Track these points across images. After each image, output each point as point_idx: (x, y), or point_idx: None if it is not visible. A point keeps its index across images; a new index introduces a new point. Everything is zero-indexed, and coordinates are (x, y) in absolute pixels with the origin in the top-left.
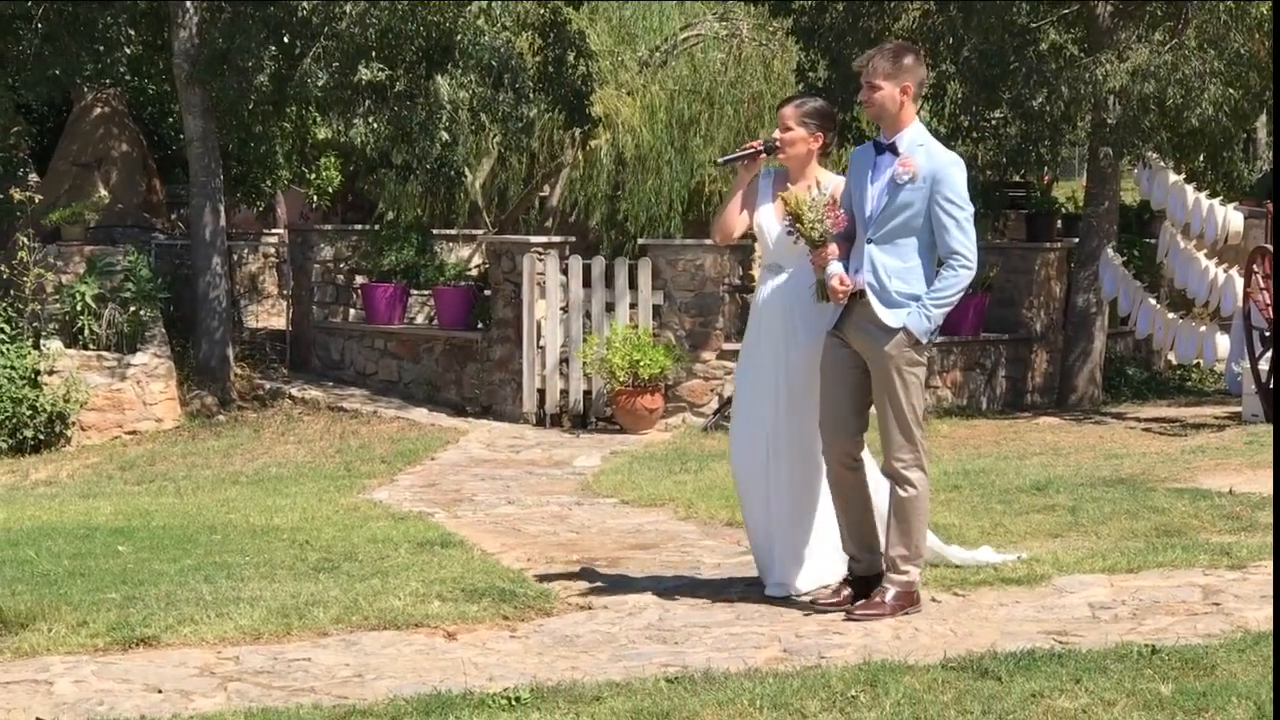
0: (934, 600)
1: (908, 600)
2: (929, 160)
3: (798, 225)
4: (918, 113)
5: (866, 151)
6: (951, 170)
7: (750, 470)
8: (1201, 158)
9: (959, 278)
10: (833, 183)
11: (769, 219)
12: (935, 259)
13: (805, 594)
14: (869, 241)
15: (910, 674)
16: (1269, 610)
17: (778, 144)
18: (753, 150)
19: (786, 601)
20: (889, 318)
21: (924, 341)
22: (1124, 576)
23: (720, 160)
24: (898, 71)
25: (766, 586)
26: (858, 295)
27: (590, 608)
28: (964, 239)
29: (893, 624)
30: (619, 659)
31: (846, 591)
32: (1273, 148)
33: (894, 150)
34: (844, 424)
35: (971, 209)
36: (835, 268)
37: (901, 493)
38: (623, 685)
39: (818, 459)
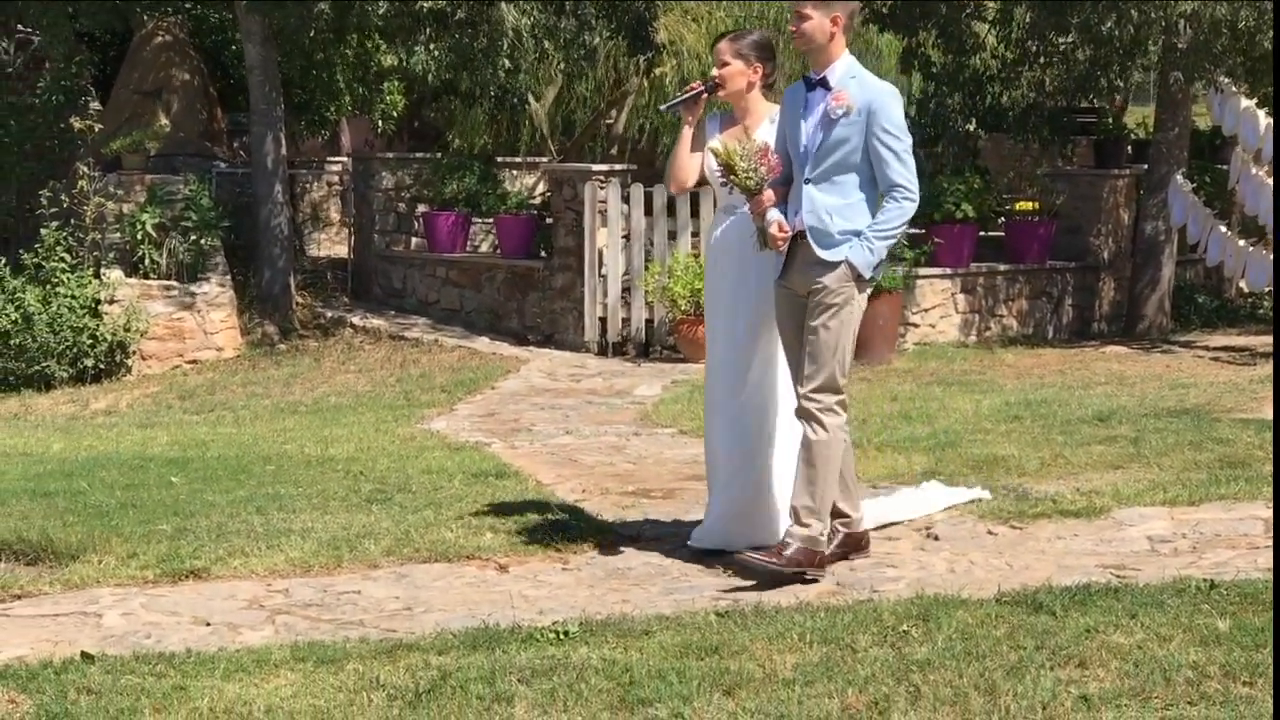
0: (990, 533)
1: (809, 558)
2: (863, 91)
3: (731, 176)
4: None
5: (797, 89)
6: (887, 100)
7: (710, 415)
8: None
9: (902, 210)
10: (777, 113)
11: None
12: (878, 193)
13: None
14: (807, 181)
15: (963, 608)
16: None
17: (717, 80)
18: (694, 92)
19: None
20: (831, 255)
21: (867, 276)
22: (1185, 509)
23: (663, 107)
24: (826, 0)
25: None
26: (799, 238)
27: (643, 539)
28: (904, 170)
29: (948, 557)
30: (670, 592)
31: (789, 552)
32: (1274, 146)
33: (825, 85)
34: None
35: (910, 139)
36: (774, 214)
37: (811, 434)
38: (672, 619)
39: (769, 411)
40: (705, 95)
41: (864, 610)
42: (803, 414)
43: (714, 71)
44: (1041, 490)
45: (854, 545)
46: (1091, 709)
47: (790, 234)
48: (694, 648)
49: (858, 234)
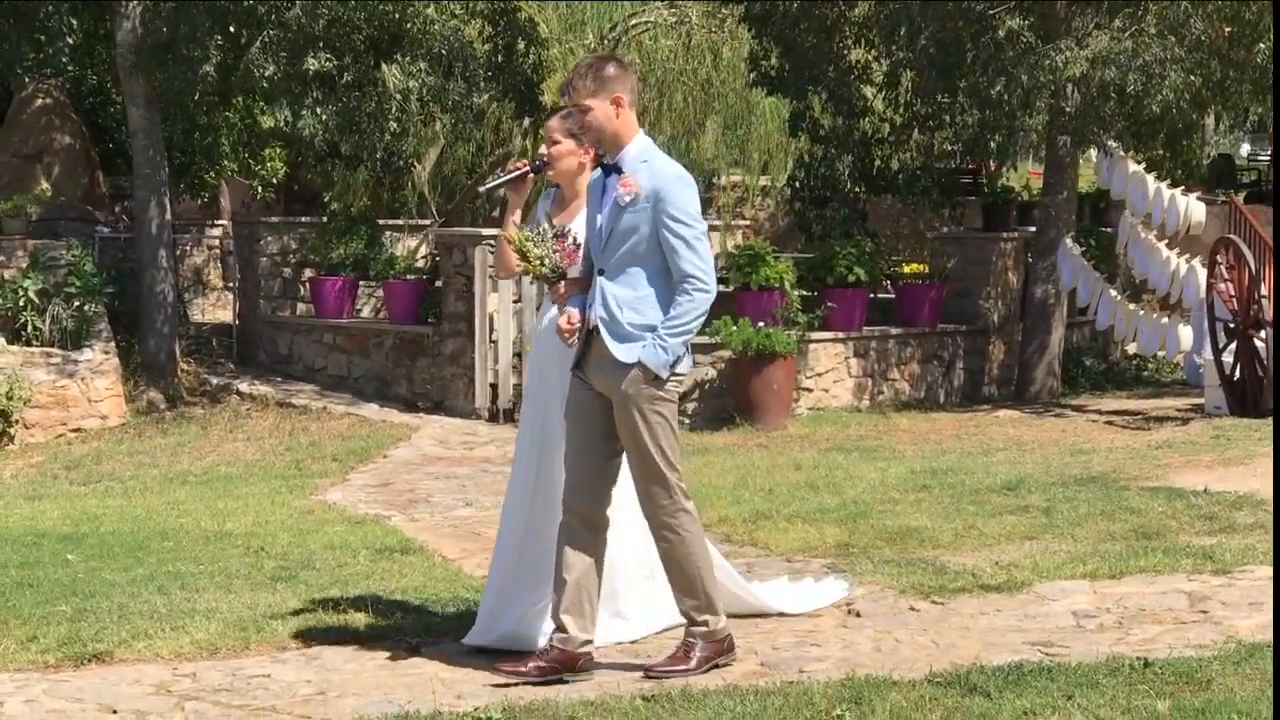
0: (912, 609)
1: (716, 650)
2: (651, 177)
3: (525, 264)
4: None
5: (599, 177)
6: (675, 185)
7: (510, 504)
8: (1160, 146)
9: (694, 302)
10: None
11: None
12: (671, 284)
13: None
14: (600, 272)
15: (896, 690)
16: (1260, 618)
17: (545, 160)
18: (519, 172)
19: (764, 615)
20: (622, 353)
21: (664, 376)
22: (1106, 583)
23: (482, 188)
24: (602, 85)
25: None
26: (595, 332)
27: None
28: (696, 260)
29: (872, 634)
30: (591, 674)
31: (533, 664)
32: (1273, 147)
33: (619, 170)
34: (588, 477)
35: (703, 226)
36: (571, 305)
37: (664, 543)
38: (598, 704)
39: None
40: (531, 176)
41: (794, 692)
42: (653, 524)
43: (543, 150)
44: (959, 563)
45: (567, 664)
46: None
47: (577, 326)
48: None
49: (652, 329)
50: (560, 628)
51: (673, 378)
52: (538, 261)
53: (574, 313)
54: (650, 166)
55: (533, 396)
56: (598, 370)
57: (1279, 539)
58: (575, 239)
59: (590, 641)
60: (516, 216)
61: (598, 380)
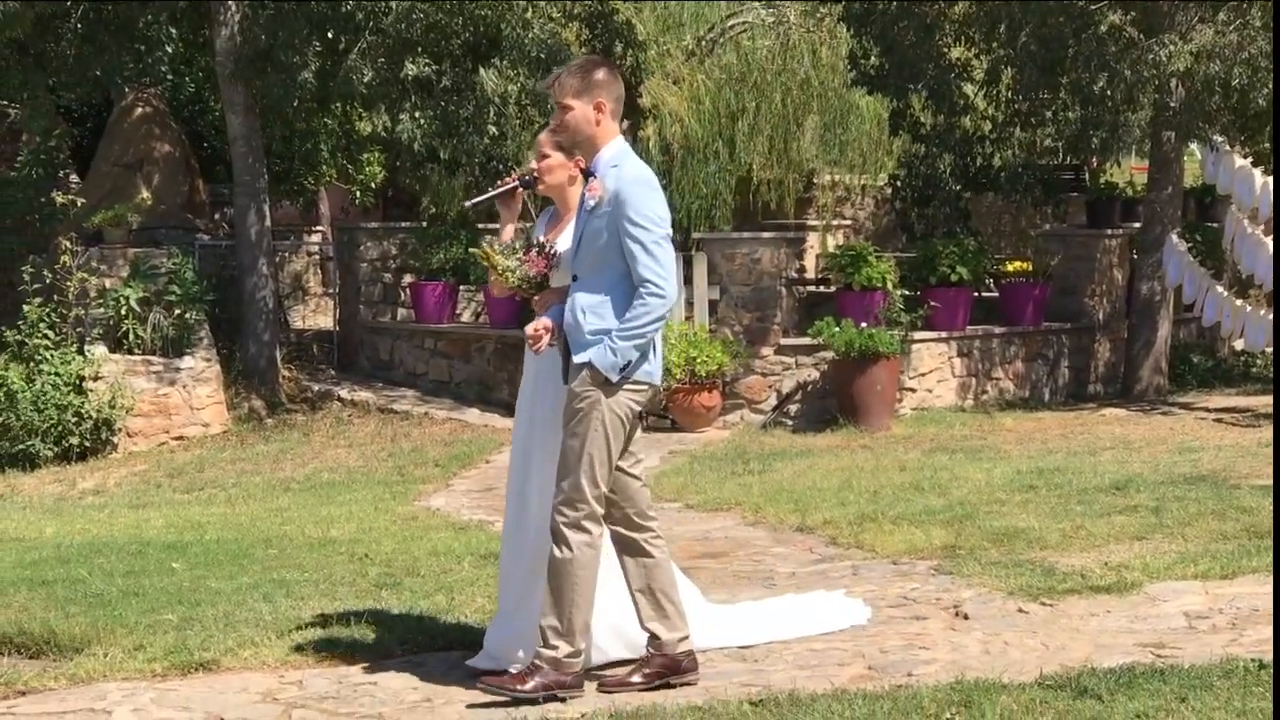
0: (1021, 611)
1: (555, 682)
2: (616, 181)
3: (495, 277)
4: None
5: (582, 182)
6: (635, 188)
7: (507, 519)
8: (1267, 139)
9: (648, 307)
10: None
11: None
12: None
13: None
14: (575, 278)
15: (1005, 693)
16: None
17: (535, 174)
18: (508, 186)
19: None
20: (577, 357)
21: (613, 379)
22: (1218, 583)
23: (468, 204)
24: (588, 88)
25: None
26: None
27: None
28: (653, 264)
29: (980, 637)
30: (700, 678)
31: (639, 673)
32: (1273, 147)
33: (594, 175)
34: (610, 484)
35: (663, 230)
36: (551, 314)
37: (556, 552)
38: (705, 709)
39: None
40: (521, 190)
41: (903, 697)
42: (551, 529)
43: (532, 164)
44: (1068, 564)
45: (672, 669)
46: None
47: (540, 335)
48: None
49: (607, 333)
50: (653, 636)
51: (628, 388)
52: (506, 272)
53: (540, 322)
54: (618, 170)
55: (520, 408)
56: (568, 378)
57: (1279, 539)
58: (550, 249)
59: (686, 638)
60: (508, 232)
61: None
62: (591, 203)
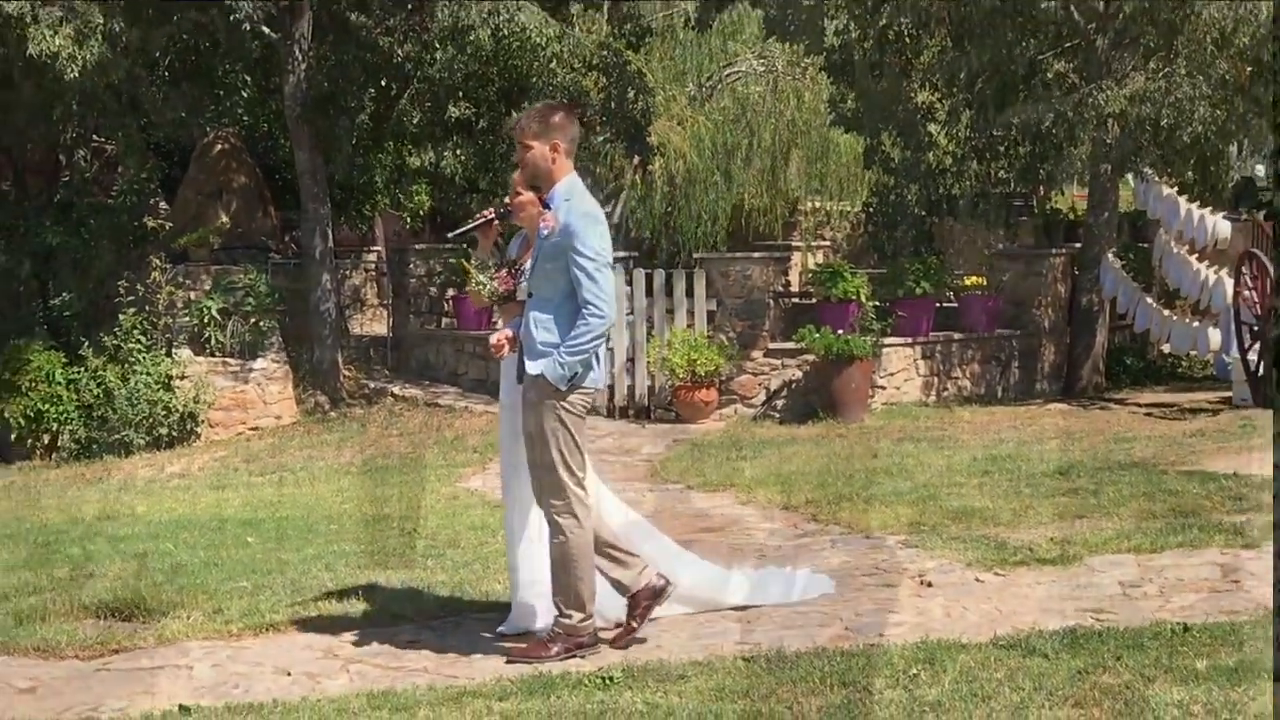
0: (978, 580)
1: (574, 645)
2: (566, 214)
3: (467, 289)
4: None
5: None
6: (582, 222)
7: (507, 518)
8: (1190, 171)
9: (589, 327)
10: None
11: None
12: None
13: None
14: (529, 296)
15: (964, 652)
16: None
17: (508, 208)
18: (484, 219)
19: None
20: (531, 366)
21: (562, 389)
22: (1149, 556)
23: (451, 234)
24: (546, 130)
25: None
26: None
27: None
28: (594, 289)
29: (943, 602)
30: (698, 638)
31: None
32: (1273, 158)
33: (549, 206)
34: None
35: (604, 259)
36: (512, 325)
37: (553, 539)
38: (704, 664)
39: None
40: (496, 221)
41: (875, 654)
42: (547, 521)
43: (506, 199)
44: (1018, 539)
45: (648, 595)
46: None
47: (502, 344)
48: (727, 691)
49: (557, 346)
50: (617, 584)
51: (578, 392)
52: (479, 286)
53: (503, 333)
54: (571, 203)
55: (503, 420)
56: (523, 379)
57: (1279, 535)
58: (518, 269)
59: (645, 568)
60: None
61: (523, 388)
62: (545, 231)
